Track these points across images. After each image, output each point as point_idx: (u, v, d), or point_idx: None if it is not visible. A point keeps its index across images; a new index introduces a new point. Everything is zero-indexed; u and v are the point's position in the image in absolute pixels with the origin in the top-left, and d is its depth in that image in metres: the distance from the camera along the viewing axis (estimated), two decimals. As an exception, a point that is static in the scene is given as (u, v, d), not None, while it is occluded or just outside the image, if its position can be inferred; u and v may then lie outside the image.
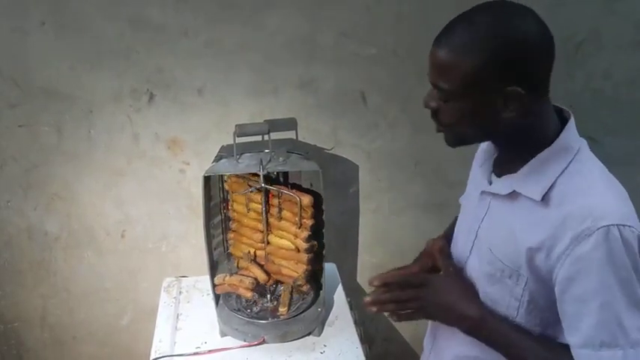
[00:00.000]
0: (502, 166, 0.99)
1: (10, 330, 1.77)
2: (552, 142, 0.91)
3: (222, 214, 1.51)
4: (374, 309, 1.00)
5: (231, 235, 1.51)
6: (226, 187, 1.46)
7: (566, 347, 0.91)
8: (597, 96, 1.64)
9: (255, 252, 1.49)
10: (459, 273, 1.04)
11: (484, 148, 1.08)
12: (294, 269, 1.44)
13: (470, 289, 1.01)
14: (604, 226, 0.83)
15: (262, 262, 1.49)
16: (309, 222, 1.38)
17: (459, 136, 0.94)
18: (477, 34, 0.84)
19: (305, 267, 1.42)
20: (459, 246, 1.08)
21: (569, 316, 0.89)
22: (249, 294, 1.43)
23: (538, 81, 0.88)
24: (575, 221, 0.85)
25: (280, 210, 1.41)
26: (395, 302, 1.00)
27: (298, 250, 1.41)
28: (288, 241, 1.42)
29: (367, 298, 1.00)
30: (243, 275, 1.44)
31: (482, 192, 1.01)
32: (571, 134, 0.92)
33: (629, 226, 0.84)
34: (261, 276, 1.45)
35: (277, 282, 1.50)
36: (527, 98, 0.85)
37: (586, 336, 0.86)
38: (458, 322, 0.98)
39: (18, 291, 1.71)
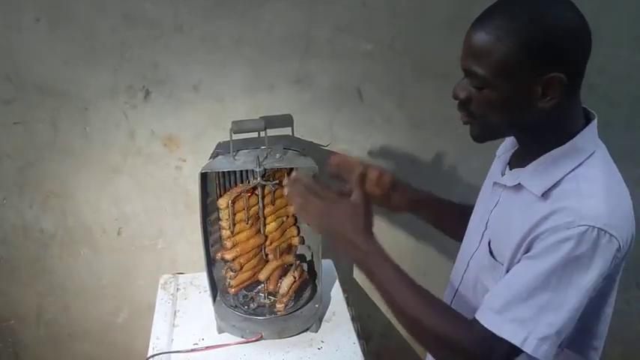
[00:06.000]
0: (517, 159, 0.99)
1: (5, 328, 1.76)
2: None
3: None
4: (285, 190, 1.03)
5: (230, 273, 1.43)
6: (224, 217, 1.36)
7: (446, 307, 0.94)
8: (593, 90, 1.64)
9: (284, 246, 1.51)
10: (366, 205, 1.00)
11: (507, 140, 1.07)
12: (290, 234, 1.52)
13: (367, 220, 0.99)
14: (584, 225, 0.83)
15: (269, 257, 1.50)
16: None
17: (489, 127, 0.92)
18: (518, 17, 0.83)
19: (295, 224, 1.53)
20: (471, 236, 1.08)
21: (504, 280, 0.89)
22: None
23: (576, 71, 0.87)
24: (560, 215, 0.85)
25: (274, 192, 1.44)
26: (300, 198, 1.00)
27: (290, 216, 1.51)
28: (282, 217, 1.48)
29: (285, 181, 1.04)
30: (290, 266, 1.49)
31: (495, 183, 1.02)
32: (588, 137, 0.92)
33: (611, 235, 0.83)
34: (289, 259, 1.50)
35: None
36: (565, 87, 0.85)
37: (505, 305, 0.86)
38: (348, 250, 0.97)
39: (14, 289, 1.71)
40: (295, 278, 1.45)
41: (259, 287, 1.49)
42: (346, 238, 0.97)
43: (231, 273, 1.42)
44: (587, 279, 0.84)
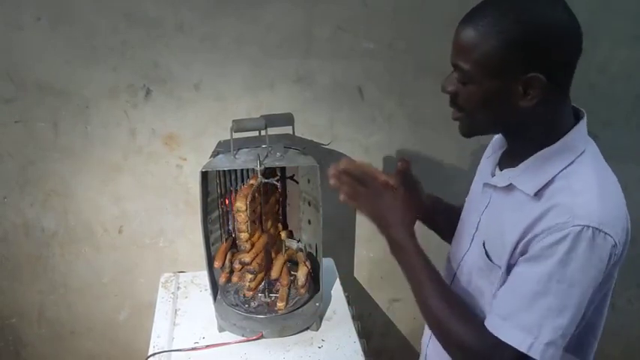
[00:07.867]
0: (507, 159, 0.99)
1: (7, 326, 1.76)
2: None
3: (220, 210, 1.51)
4: (332, 181, 1.03)
5: (249, 276, 1.42)
6: (242, 220, 1.34)
7: (464, 310, 0.96)
8: (593, 90, 1.64)
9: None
10: (407, 198, 1.04)
11: (494, 140, 1.07)
12: (279, 229, 1.57)
13: (409, 215, 1.02)
14: (578, 225, 0.83)
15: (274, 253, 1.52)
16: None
17: (474, 124, 0.93)
18: (503, 16, 0.84)
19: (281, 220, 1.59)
20: (462, 238, 1.08)
21: (508, 285, 0.90)
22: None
23: (561, 72, 0.87)
24: (554, 214, 0.85)
25: (269, 189, 1.46)
26: (349, 187, 1.02)
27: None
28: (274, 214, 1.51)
29: (333, 170, 1.03)
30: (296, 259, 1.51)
31: (485, 184, 1.02)
32: (579, 135, 0.91)
33: (605, 233, 0.83)
34: (292, 252, 1.53)
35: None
36: (548, 88, 0.84)
37: (510, 311, 0.88)
38: (387, 238, 1.01)
39: (15, 287, 1.71)
40: (308, 267, 1.46)
41: (274, 285, 1.49)
42: (386, 229, 1.00)
43: (250, 275, 1.40)
44: (587, 278, 0.84)
